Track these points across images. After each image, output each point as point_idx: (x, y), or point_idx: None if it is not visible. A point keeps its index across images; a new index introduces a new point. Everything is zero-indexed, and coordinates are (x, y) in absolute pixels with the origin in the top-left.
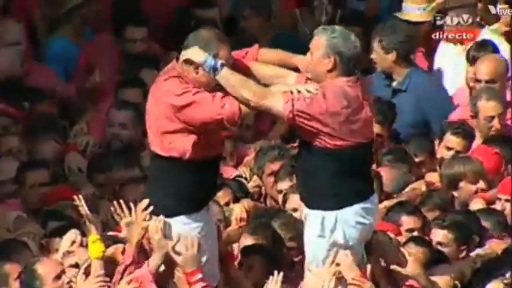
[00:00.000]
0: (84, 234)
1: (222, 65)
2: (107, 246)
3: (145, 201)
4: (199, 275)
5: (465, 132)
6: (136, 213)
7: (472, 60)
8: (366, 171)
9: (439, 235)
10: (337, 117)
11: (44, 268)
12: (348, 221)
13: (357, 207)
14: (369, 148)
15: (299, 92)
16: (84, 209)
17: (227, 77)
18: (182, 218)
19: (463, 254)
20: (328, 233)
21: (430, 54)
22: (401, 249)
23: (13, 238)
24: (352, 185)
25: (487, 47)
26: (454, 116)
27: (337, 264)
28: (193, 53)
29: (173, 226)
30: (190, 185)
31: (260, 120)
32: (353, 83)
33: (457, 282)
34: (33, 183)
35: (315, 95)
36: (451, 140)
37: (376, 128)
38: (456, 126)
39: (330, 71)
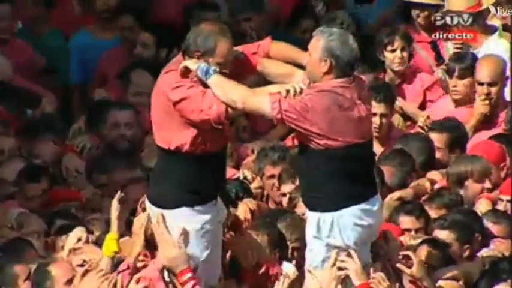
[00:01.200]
0: (90, 232)
1: (215, 71)
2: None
3: (145, 215)
4: (189, 275)
5: (442, 126)
6: (137, 225)
7: (452, 72)
8: (364, 172)
9: (441, 236)
10: (325, 115)
11: (58, 271)
12: (345, 223)
13: (354, 208)
14: (366, 149)
15: (288, 91)
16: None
17: (217, 81)
18: (184, 210)
19: (467, 253)
20: (324, 235)
21: (434, 47)
22: (408, 252)
23: (18, 237)
24: (348, 187)
25: (466, 59)
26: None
27: (340, 269)
28: (189, 62)
29: (176, 219)
30: (192, 177)
31: (258, 120)
32: (347, 84)
33: (461, 283)
34: (33, 194)
35: (302, 95)
36: (431, 136)
37: (381, 108)
38: (434, 123)
39: (326, 73)
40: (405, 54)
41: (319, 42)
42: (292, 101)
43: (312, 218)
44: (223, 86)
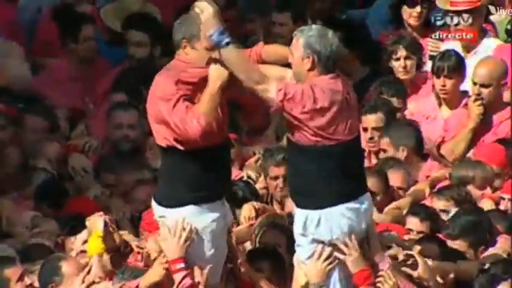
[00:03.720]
0: None
1: (227, 43)
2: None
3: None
4: (182, 264)
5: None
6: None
7: (437, 71)
8: (352, 171)
9: (455, 246)
10: (326, 113)
11: (69, 268)
12: (332, 220)
13: (342, 207)
14: (354, 146)
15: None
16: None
17: (231, 53)
18: (191, 208)
19: (484, 254)
20: (310, 232)
21: None
22: (412, 252)
23: (39, 243)
24: (336, 185)
25: (451, 57)
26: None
27: (326, 261)
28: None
29: (182, 218)
30: (195, 174)
31: (254, 117)
32: (335, 79)
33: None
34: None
35: (307, 92)
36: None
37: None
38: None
39: (309, 70)
40: (409, 63)
41: (299, 40)
42: (296, 94)
43: (300, 215)
44: (235, 60)
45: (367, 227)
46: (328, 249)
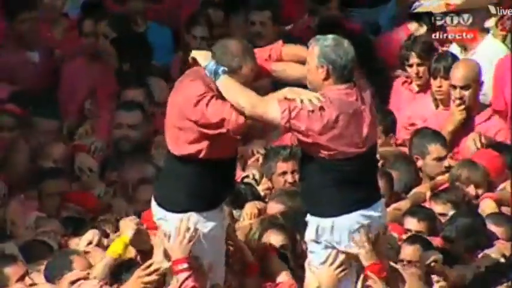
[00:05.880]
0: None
1: (224, 71)
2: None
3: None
4: (185, 265)
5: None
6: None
7: (433, 72)
8: (366, 179)
9: (449, 247)
10: (333, 127)
11: (78, 264)
12: (345, 228)
13: (355, 214)
14: (369, 156)
15: (302, 101)
16: None
17: (226, 83)
18: (191, 215)
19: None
20: (323, 239)
21: None
22: (397, 266)
23: (40, 240)
24: (350, 194)
25: (447, 58)
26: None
27: (339, 267)
28: (201, 54)
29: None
30: (202, 183)
31: None
32: (350, 90)
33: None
34: (52, 191)
35: (313, 108)
36: None
37: None
38: None
39: (324, 79)
40: (422, 68)
41: (314, 49)
42: (302, 111)
43: (312, 222)
44: (232, 89)
45: (379, 233)
46: (341, 256)
